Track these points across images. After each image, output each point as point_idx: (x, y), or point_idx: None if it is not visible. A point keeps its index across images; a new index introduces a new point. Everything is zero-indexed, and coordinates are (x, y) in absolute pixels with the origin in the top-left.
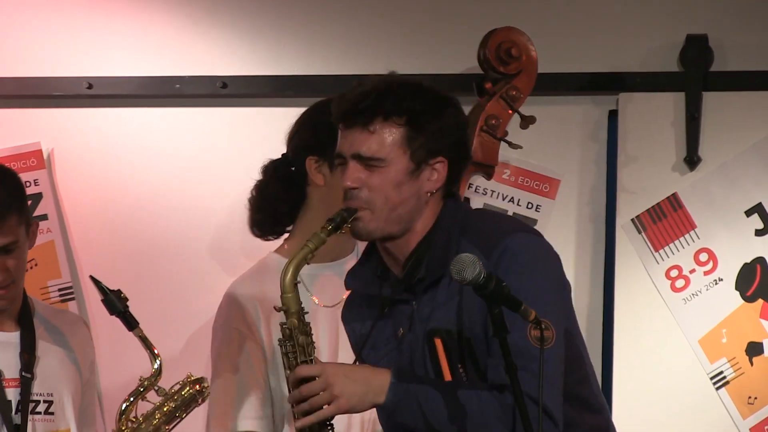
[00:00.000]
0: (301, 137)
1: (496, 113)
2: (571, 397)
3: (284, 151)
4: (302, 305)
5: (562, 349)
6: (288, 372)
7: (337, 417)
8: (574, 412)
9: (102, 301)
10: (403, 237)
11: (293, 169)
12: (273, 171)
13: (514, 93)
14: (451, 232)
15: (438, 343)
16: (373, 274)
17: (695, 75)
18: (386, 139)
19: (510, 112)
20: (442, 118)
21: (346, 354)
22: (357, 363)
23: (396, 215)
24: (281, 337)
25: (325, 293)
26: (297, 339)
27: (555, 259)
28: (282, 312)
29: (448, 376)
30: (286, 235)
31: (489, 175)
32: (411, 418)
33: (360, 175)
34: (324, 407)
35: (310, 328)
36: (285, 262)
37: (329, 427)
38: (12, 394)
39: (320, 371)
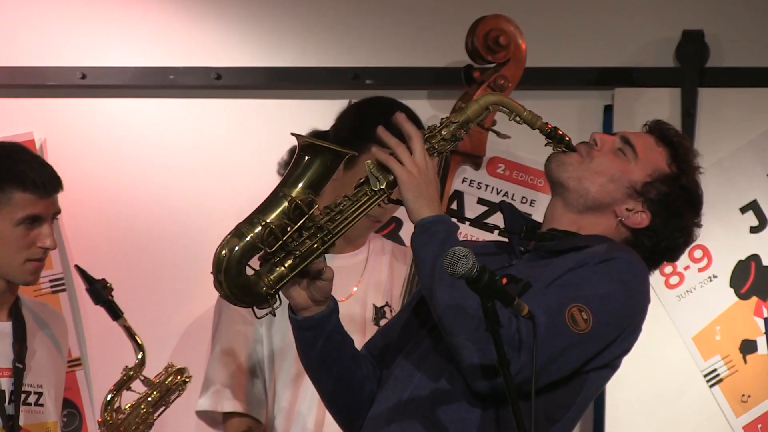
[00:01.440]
0: (333, 128)
1: None
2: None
3: (282, 146)
4: (473, 122)
5: (581, 355)
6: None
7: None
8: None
9: (87, 290)
10: (569, 211)
11: None
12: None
13: (502, 82)
14: (598, 241)
15: (503, 280)
16: (522, 223)
17: (691, 70)
18: (654, 156)
19: None
20: (683, 214)
21: None
22: None
23: (585, 186)
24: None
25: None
26: (444, 129)
27: (642, 311)
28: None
29: None
30: None
31: (477, 166)
32: (427, 250)
33: (609, 145)
34: (395, 161)
35: (461, 139)
36: None
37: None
38: (5, 384)
39: (426, 156)
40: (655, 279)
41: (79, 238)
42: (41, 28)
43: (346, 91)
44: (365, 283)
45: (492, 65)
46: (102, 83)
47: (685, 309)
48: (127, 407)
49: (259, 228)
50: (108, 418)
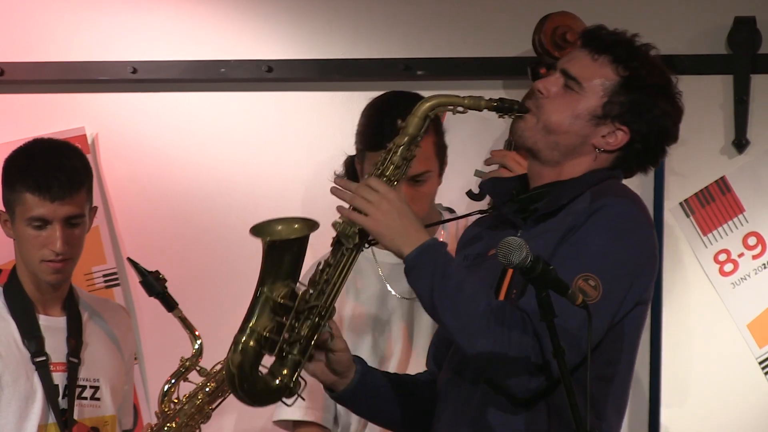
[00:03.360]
0: (356, 140)
1: None
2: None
3: (334, 139)
4: (419, 136)
5: (603, 320)
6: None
7: None
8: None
9: (140, 282)
10: (548, 165)
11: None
12: (350, 166)
13: None
14: (584, 184)
15: (509, 272)
16: (510, 188)
17: (743, 57)
18: (599, 73)
19: None
20: (655, 103)
21: (422, 344)
22: None
23: (552, 139)
24: (385, 148)
25: (403, 284)
26: (393, 155)
27: (649, 243)
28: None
29: (501, 297)
30: None
31: None
32: (421, 285)
33: (553, 87)
34: (362, 217)
35: (413, 157)
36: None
37: (365, 239)
38: (59, 378)
39: (385, 191)
40: (709, 267)
41: (132, 232)
42: (92, 23)
43: (397, 82)
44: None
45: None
46: (153, 77)
47: (740, 296)
48: (183, 398)
49: (255, 336)
50: (165, 409)
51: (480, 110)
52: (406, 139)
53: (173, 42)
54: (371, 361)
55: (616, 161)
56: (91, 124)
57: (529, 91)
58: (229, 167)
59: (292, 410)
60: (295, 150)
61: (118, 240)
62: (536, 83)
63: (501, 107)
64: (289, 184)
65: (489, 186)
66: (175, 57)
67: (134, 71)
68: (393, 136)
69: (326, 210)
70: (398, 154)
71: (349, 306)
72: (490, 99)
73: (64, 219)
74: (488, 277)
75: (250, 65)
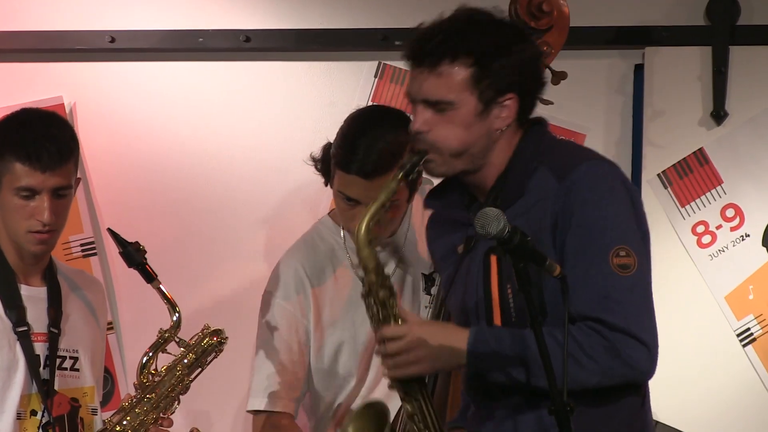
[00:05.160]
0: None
1: None
2: None
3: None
4: (378, 264)
5: (648, 275)
6: (373, 326)
7: None
8: None
9: (120, 253)
10: (480, 171)
11: None
12: (327, 152)
13: (545, 48)
14: (528, 160)
15: (493, 260)
16: (458, 199)
17: (722, 29)
18: (454, 81)
19: None
20: (511, 55)
21: None
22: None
23: (467, 156)
24: (362, 292)
25: None
26: (377, 295)
27: (630, 188)
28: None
29: (495, 294)
30: None
31: None
32: (494, 367)
33: (427, 119)
34: (410, 367)
35: (389, 280)
36: (333, 226)
37: (421, 383)
38: (40, 349)
39: (404, 332)
40: (687, 239)
41: (109, 202)
42: None
43: (375, 52)
44: (407, 257)
45: (535, 32)
46: (131, 47)
47: (718, 268)
48: (162, 369)
49: None
50: (144, 380)
51: (398, 186)
52: (373, 277)
53: (151, 11)
54: (360, 347)
55: (520, 122)
56: (69, 94)
57: (412, 138)
58: (207, 136)
59: (262, 401)
60: (273, 120)
61: (95, 209)
62: (413, 126)
63: (408, 171)
64: (266, 153)
65: (432, 201)
66: (153, 26)
67: (112, 40)
68: (365, 162)
69: (301, 180)
70: (378, 294)
71: (325, 293)
72: (394, 176)
73: (53, 190)
74: (473, 272)
75: (228, 35)
